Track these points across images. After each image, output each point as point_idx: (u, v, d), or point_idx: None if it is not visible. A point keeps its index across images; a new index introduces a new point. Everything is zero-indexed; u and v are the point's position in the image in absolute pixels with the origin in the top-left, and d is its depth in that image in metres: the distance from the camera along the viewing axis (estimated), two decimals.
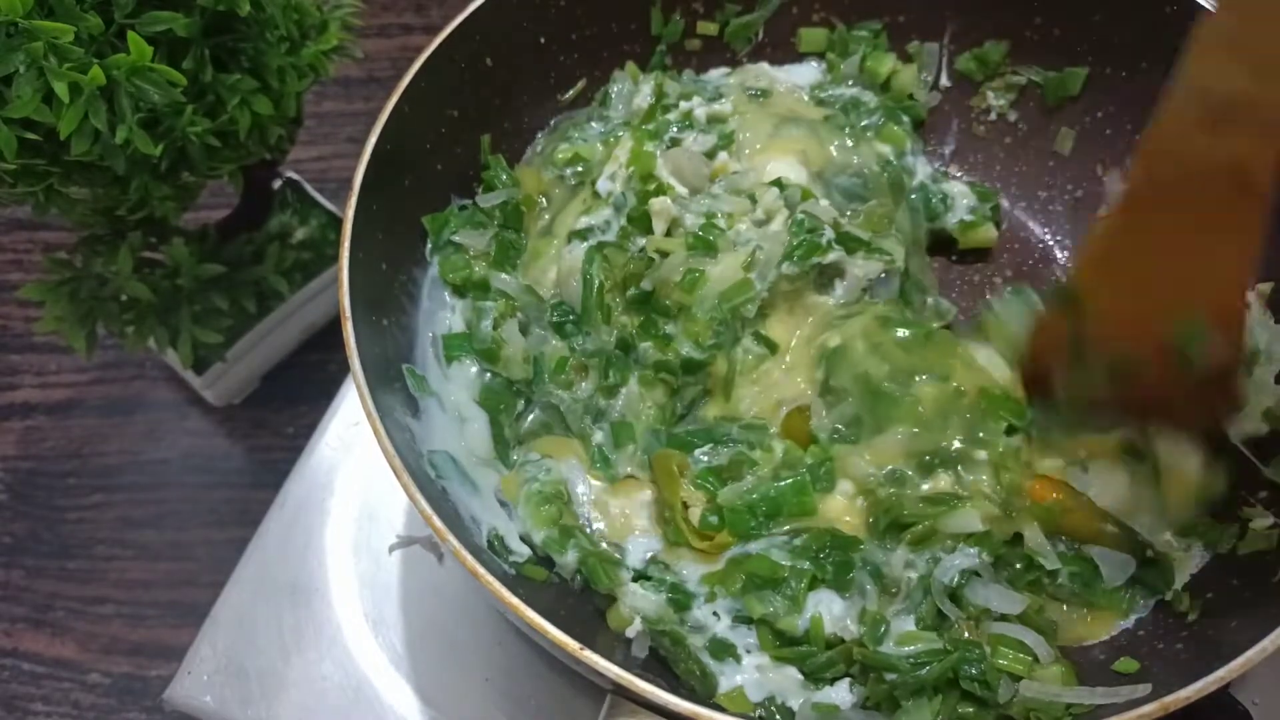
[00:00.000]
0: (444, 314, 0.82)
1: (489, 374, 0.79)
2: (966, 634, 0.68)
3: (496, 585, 0.60)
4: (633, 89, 0.92)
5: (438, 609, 0.84)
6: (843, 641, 0.69)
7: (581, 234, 0.82)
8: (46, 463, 1.08)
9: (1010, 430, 0.75)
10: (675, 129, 0.87)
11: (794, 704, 0.68)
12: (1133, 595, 0.73)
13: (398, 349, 0.77)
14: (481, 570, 0.60)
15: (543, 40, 0.90)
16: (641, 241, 0.80)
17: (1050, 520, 0.73)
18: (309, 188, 1.10)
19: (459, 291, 0.82)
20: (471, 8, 0.82)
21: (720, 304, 0.77)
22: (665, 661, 0.69)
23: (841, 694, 0.68)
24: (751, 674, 0.69)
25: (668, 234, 0.80)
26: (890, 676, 0.65)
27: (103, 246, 0.90)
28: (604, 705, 0.63)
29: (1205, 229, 0.61)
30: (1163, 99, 0.58)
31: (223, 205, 1.04)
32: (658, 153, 0.84)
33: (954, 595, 0.69)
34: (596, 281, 0.78)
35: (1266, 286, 0.80)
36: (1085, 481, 0.76)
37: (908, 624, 0.69)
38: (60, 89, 0.66)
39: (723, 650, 0.69)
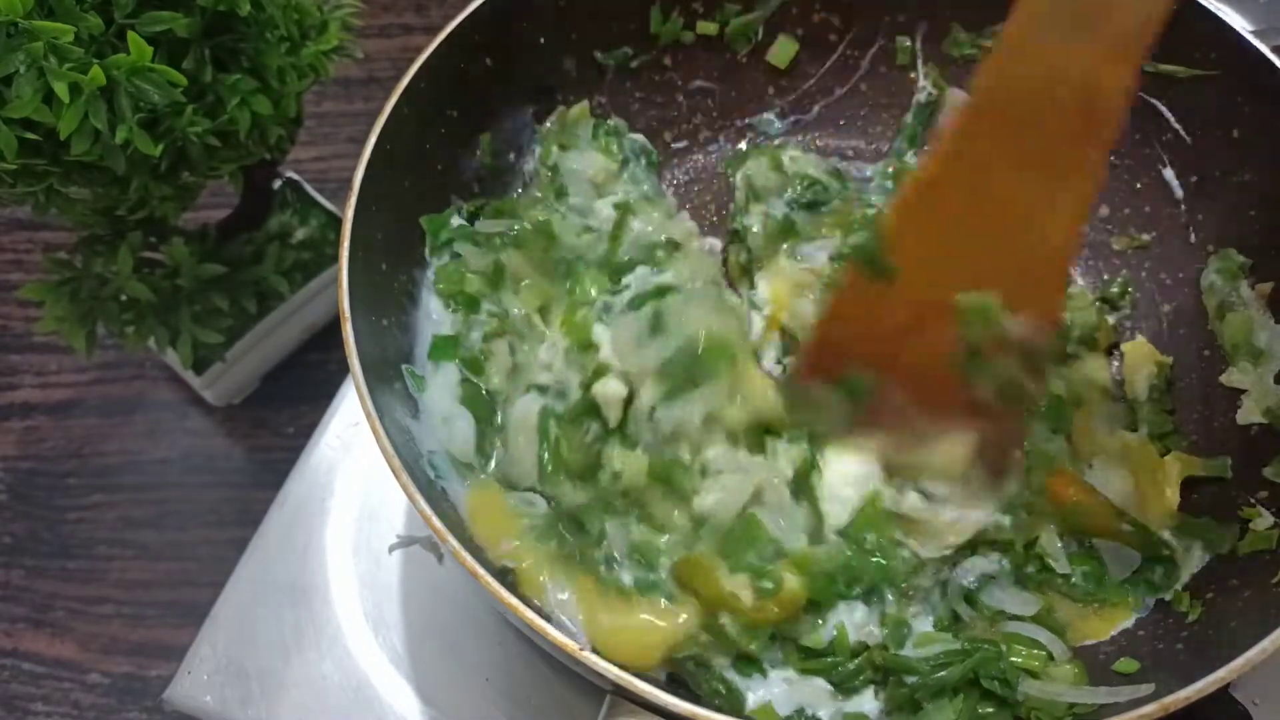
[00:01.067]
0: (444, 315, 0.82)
1: (469, 381, 0.77)
2: (978, 633, 0.69)
3: (496, 585, 0.60)
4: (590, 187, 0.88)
5: (438, 609, 0.84)
6: (867, 648, 0.69)
7: (540, 388, 0.76)
8: (46, 463, 1.08)
9: (1055, 430, 0.75)
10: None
11: (824, 715, 0.67)
12: (1139, 592, 0.74)
13: (397, 349, 0.77)
14: (481, 570, 0.60)
15: (543, 40, 0.90)
16: (595, 427, 0.73)
17: (1068, 520, 0.72)
18: (309, 188, 1.10)
19: (450, 302, 0.81)
20: (471, 8, 0.82)
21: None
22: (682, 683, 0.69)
23: (868, 702, 0.68)
24: (779, 687, 0.68)
25: (623, 420, 0.73)
26: (911, 679, 0.65)
27: (103, 246, 0.90)
28: (603, 705, 0.63)
29: (1043, 164, 0.52)
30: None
31: (223, 205, 1.04)
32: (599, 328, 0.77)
33: (969, 597, 0.70)
34: (554, 448, 0.73)
35: (1266, 286, 0.81)
36: (1091, 479, 0.76)
37: (925, 625, 0.69)
38: (60, 89, 0.65)
39: (749, 666, 0.68)
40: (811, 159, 0.93)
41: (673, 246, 0.84)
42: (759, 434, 0.72)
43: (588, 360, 0.75)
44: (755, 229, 0.88)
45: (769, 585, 0.67)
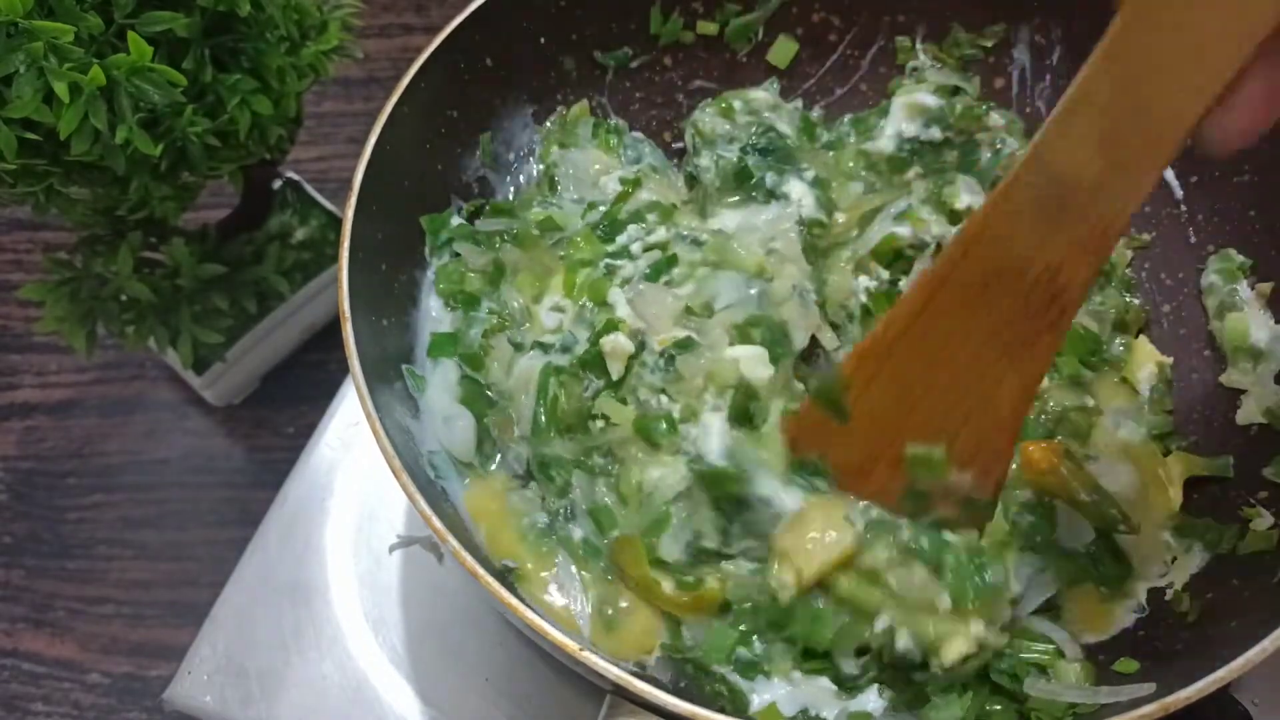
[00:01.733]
0: (444, 314, 0.82)
1: (469, 378, 0.78)
2: None
3: (496, 586, 0.60)
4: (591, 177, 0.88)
5: (438, 609, 0.84)
6: (869, 649, 0.68)
7: (543, 346, 0.78)
8: (46, 463, 1.08)
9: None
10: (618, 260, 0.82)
11: (828, 715, 0.67)
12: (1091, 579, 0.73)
13: (398, 349, 0.77)
14: (481, 571, 0.60)
15: (543, 40, 0.90)
16: (595, 383, 0.75)
17: (1036, 482, 0.71)
18: (309, 188, 1.10)
19: (451, 301, 0.81)
20: (471, 8, 0.82)
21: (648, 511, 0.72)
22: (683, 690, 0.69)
23: (872, 700, 0.68)
24: (783, 689, 0.68)
25: (624, 376, 0.74)
26: (920, 676, 0.65)
27: (103, 246, 0.90)
28: (603, 706, 0.63)
29: (998, 343, 0.55)
30: (1005, 181, 0.52)
31: (223, 205, 1.04)
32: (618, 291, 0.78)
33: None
34: (551, 404, 0.74)
35: (1266, 286, 0.81)
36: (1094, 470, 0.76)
37: None
38: (60, 89, 0.66)
39: (751, 669, 0.68)
40: (776, 105, 0.93)
41: (669, 210, 0.85)
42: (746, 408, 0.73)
43: (599, 317, 0.76)
44: (710, 172, 0.88)
45: (690, 580, 0.69)
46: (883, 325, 0.59)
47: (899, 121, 0.91)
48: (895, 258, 0.82)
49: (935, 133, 0.89)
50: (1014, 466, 0.70)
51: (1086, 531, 0.73)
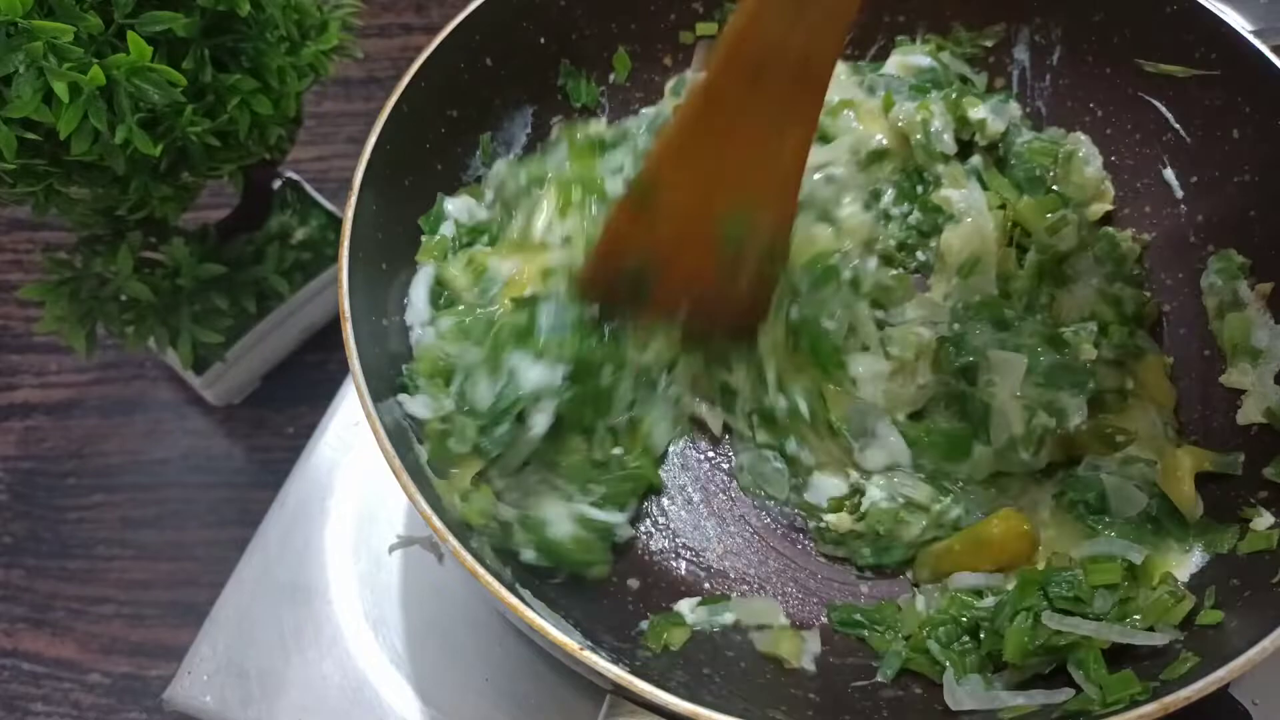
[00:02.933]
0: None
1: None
2: None
3: (496, 585, 0.60)
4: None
5: (438, 609, 0.84)
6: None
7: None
8: (46, 463, 1.08)
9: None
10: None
11: None
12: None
13: (398, 349, 0.77)
14: (481, 571, 0.60)
15: (543, 40, 0.90)
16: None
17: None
18: (309, 188, 1.10)
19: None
20: (471, 8, 0.82)
21: None
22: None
23: None
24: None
25: None
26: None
27: (103, 246, 0.90)
28: (603, 705, 0.63)
29: (772, 119, 0.66)
30: None
31: (223, 205, 1.04)
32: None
33: None
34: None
35: (1267, 286, 0.80)
36: None
37: None
38: (60, 89, 0.66)
39: None
40: None
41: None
42: None
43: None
44: None
45: None
46: (676, 125, 0.67)
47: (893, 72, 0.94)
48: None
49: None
50: None
51: (1139, 497, 0.74)
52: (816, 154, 0.87)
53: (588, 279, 0.73)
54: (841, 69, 0.95)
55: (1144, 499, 0.75)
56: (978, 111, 0.89)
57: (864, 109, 0.91)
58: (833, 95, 0.90)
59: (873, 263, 0.87)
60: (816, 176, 0.86)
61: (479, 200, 0.86)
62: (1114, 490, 0.75)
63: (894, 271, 0.88)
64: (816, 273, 0.80)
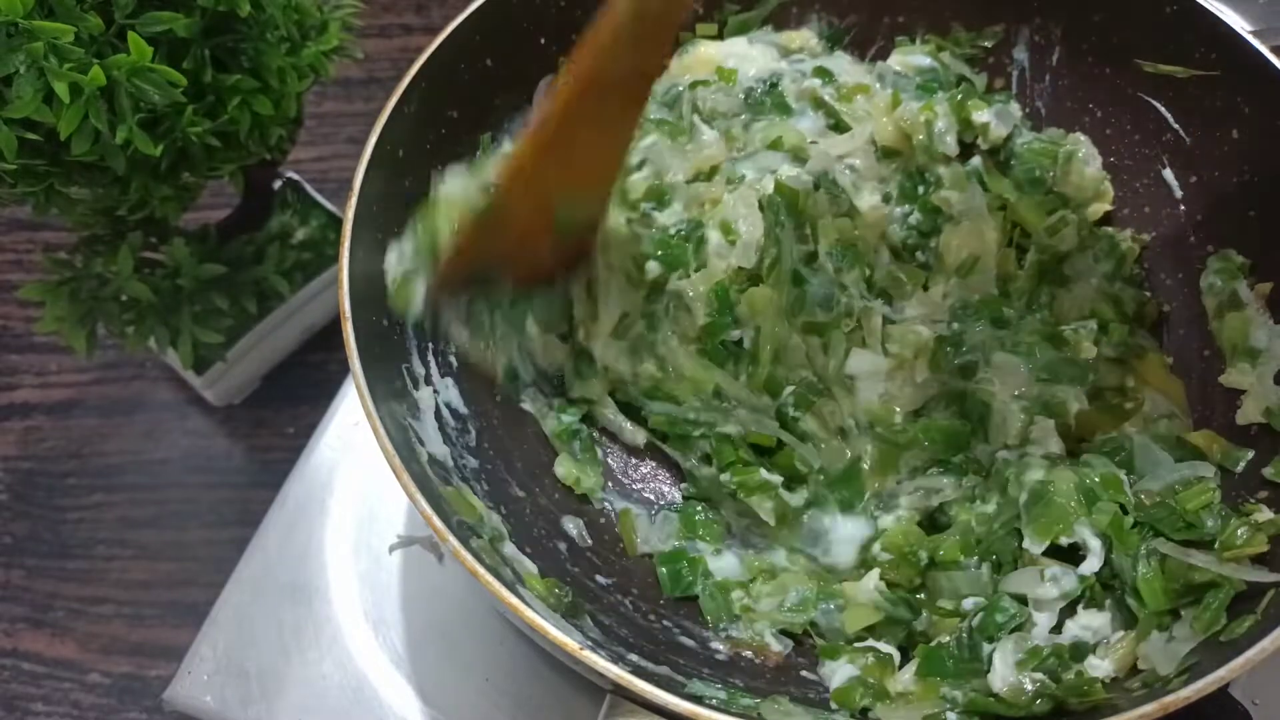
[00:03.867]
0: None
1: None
2: None
3: (496, 585, 0.60)
4: None
5: (438, 609, 0.84)
6: None
7: None
8: (46, 463, 1.08)
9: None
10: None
11: None
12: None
13: (398, 349, 0.77)
14: (481, 570, 0.60)
15: (543, 40, 0.90)
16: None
17: None
18: (309, 188, 1.10)
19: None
20: (472, 8, 0.82)
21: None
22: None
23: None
24: None
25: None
26: None
27: (103, 246, 0.90)
28: (603, 705, 0.63)
29: (608, 126, 0.75)
30: (601, 20, 0.68)
31: (223, 205, 1.04)
32: None
33: None
34: None
35: (1266, 286, 0.80)
36: None
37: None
38: (60, 89, 0.66)
39: None
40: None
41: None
42: None
43: None
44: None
45: None
46: (528, 151, 0.73)
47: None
48: None
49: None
50: None
51: (1165, 458, 0.74)
52: (837, 144, 0.90)
53: (439, 286, 0.76)
54: (845, 60, 0.96)
55: (1170, 459, 0.74)
56: (982, 115, 0.89)
57: (876, 100, 0.92)
58: (847, 79, 0.93)
59: (886, 255, 0.87)
60: (839, 166, 0.88)
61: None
62: (1141, 449, 0.74)
63: (904, 265, 0.88)
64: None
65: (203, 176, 0.84)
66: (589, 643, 0.60)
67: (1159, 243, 0.90)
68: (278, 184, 1.08)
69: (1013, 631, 0.68)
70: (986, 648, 0.68)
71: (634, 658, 0.68)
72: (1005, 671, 0.66)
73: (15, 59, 0.65)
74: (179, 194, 0.85)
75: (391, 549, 0.86)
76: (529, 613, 0.59)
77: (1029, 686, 0.64)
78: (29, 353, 1.15)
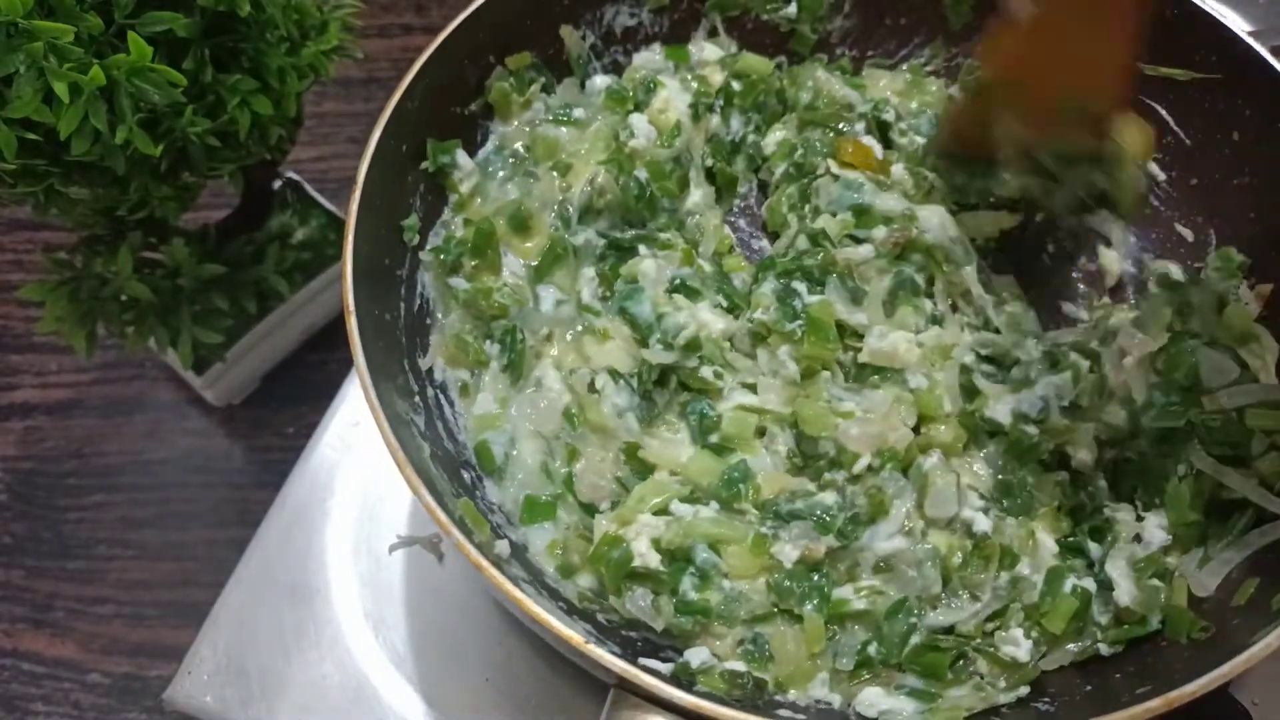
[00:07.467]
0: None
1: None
2: None
3: (500, 578, 0.60)
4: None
5: (438, 609, 0.84)
6: None
7: None
8: (46, 463, 1.08)
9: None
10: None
11: None
12: None
13: (400, 345, 0.77)
14: (486, 564, 0.60)
15: (543, 40, 0.90)
16: None
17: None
18: (309, 188, 1.10)
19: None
20: (472, 8, 0.82)
21: None
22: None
23: None
24: None
25: None
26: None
27: (103, 246, 0.90)
28: (607, 700, 0.63)
29: (1093, 25, 0.75)
30: None
31: (223, 205, 1.04)
32: None
33: None
34: None
35: (1266, 287, 0.81)
36: None
37: None
38: (60, 89, 0.66)
39: None
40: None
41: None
42: None
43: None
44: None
45: None
46: (1001, 42, 0.79)
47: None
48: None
49: None
50: None
51: (1230, 368, 0.74)
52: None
53: (942, 147, 0.88)
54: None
55: (1235, 368, 0.74)
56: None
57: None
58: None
59: None
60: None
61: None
62: (1206, 360, 0.75)
63: None
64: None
65: (202, 176, 0.84)
66: (593, 636, 0.60)
67: (1159, 243, 0.90)
68: (277, 184, 1.08)
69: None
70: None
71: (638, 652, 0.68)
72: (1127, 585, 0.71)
73: (15, 59, 0.65)
74: (179, 194, 0.85)
75: (392, 549, 0.85)
76: (534, 607, 0.59)
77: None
78: (29, 353, 1.15)
